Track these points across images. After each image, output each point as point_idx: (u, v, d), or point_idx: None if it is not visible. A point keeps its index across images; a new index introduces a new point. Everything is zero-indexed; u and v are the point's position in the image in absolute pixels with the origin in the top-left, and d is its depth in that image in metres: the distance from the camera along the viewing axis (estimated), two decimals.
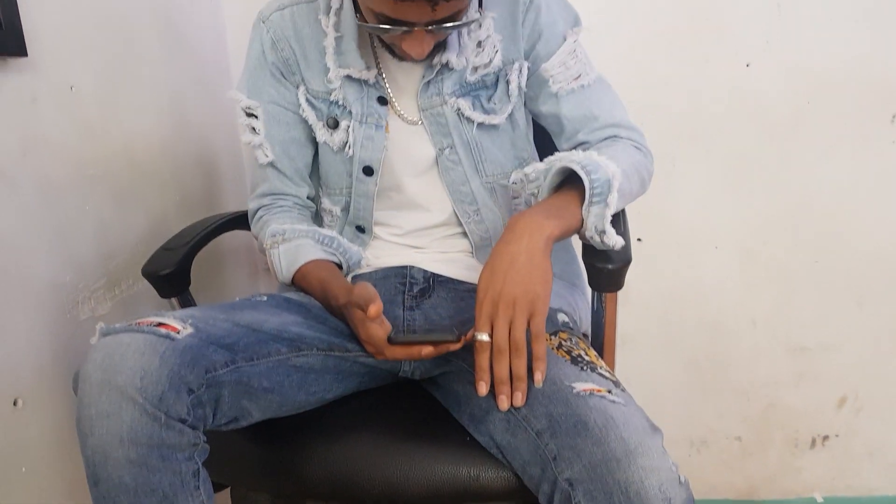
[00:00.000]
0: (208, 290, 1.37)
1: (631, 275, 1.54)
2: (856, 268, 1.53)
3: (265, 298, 0.97)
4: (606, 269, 0.88)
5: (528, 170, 0.95)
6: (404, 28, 0.85)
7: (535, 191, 0.94)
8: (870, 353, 1.57)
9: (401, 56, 0.97)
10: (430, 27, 0.85)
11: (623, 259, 0.88)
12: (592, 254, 0.89)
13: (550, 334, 0.92)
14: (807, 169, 1.49)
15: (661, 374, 1.62)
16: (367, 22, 0.88)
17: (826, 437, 1.64)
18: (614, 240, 0.86)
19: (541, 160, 1.13)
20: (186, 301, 1.04)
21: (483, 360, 0.80)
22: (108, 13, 1.12)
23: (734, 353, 1.60)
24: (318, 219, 1.16)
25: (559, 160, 0.90)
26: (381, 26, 0.85)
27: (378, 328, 0.85)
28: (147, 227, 1.21)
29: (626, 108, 1.07)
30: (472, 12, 0.96)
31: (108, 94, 1.12)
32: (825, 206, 1.51)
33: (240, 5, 1.49)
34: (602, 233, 0.86)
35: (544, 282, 0.80)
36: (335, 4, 1.01)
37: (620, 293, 1.24)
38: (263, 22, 1.05)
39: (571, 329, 0.97)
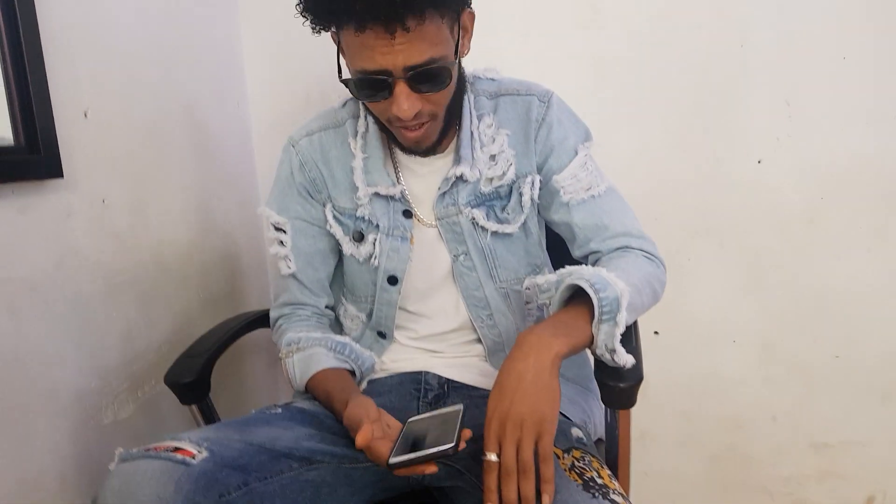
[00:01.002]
0: (229, 390, 1.40)
1: (649, 368, 1.54)
2: (877, 364, 1.51)
3: (279, 411, 0.98)
4: (618, 388, 0.88)
5: (540, 280, 0.97)
6: (385, 78, 0.87)
7: (547, 301, 0.96)
8: None
9: (407, 146, 1.01)
10: (408, 75, 0.87)
11: (635, 377, 0.88)
12: (604, 371, 0.89)
13: (563, 451, 0.92)
14: (823, 264, 1.50)
15: (681, 470, 1.60)
16: (355, 86, 0.91)
17: None
18: (624, 359, 0.86)
19: (554, 264, 1.16)
20: (206, 408, 1.06)
21: (491, 481, 0.80)
22: (141, 127, 1.19)
23: (756, 449, 1.57)
24: (336, 326, 1.19)
25: (570, 275, 0.91)
26: (364, 82, 0.89)
27: (379, 447, 0.83)
28: (171, 328, 1.25)
29: (636, 217, 1.09)
30: (444, 50, 0.91)
31: (139, 204, 1.17)
32: (843, 301, 1.50)
33: (266, 113, 1.57)
34: (612, 351, 0.87)
35: (552, 401, 0.80)
36: (361, 129, 1.08)
37: (640, 388, 1.25)
38: (293, 146, 1.11)
39: (585, 445, 0.97)
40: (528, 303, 1.12)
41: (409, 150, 1.04)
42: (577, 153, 1.06)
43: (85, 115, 1.06)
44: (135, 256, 1.16)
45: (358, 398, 0.92)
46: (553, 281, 0.95)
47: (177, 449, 0.78)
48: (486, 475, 0.80)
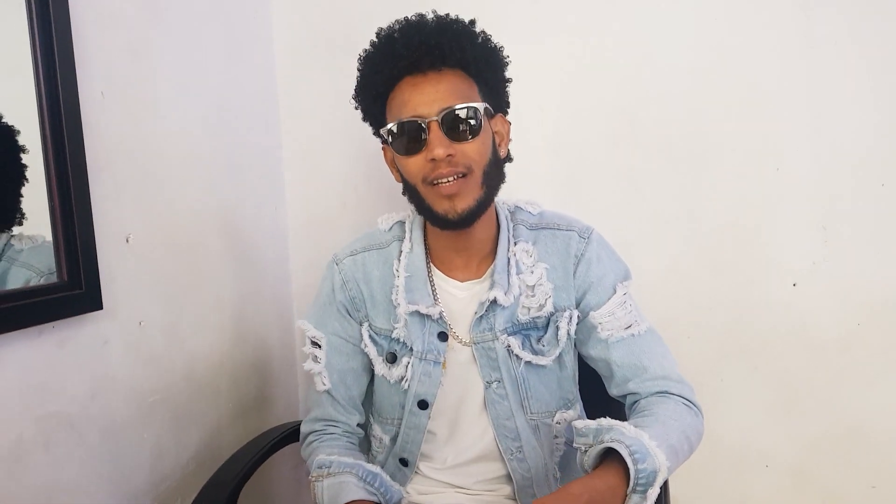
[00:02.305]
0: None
1: (680, 489, 1.51)
2: None
3: None
4: None
5: (579, 424, 0.96)
6: (419, 121, 0.97)
7: (583, 447, 0.94)
8: None
9: (442, 216, 1.01)
10: (441, 117, 0.97)
11: None
12: None
13: None
14: (858, 391, 1.46)
15: None
16: (398, 151, 1.02)
17: None
18: None
19: (586, 397, 1.16)
20: None
21: None
22: (181, 245, 1.22)
23: None
24: (366, 444, 1.19)
25: (610, 430, 0.90)
26: (405, 137, 0.99)
27: None
28: (200, 443, 1.26)
29: (675, 361, 1.08)
30: (474, 95, 1.03)
31: (174, 323, 1.20)
32: (881, 431, 1.45)
33: (303, 217, 1.60)
34: None
35: None
36: (406, 249, 1.11)
37: None
38: (337, 264, 1.14)
39: None
40: (556, 437, 1.12)
41: (443, 224, 1.02)
42: (615, 291, 1.08)
43: (127, 241, 1.09)
44: (168, 376, 1.18)
45: None
46: (592, 428, 0.93)
47: None
48: None
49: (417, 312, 1.07)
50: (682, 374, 1.07)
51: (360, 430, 1.18)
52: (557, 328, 1.08)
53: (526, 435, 1.09)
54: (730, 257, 1.48)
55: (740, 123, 1.43)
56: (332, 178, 1.60)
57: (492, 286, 1.05)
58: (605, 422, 0.93)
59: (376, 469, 1.09)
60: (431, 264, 1.10)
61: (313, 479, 1.07)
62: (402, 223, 1.15)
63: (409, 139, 0.99)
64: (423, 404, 1.10)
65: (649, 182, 1.48)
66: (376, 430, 1.17)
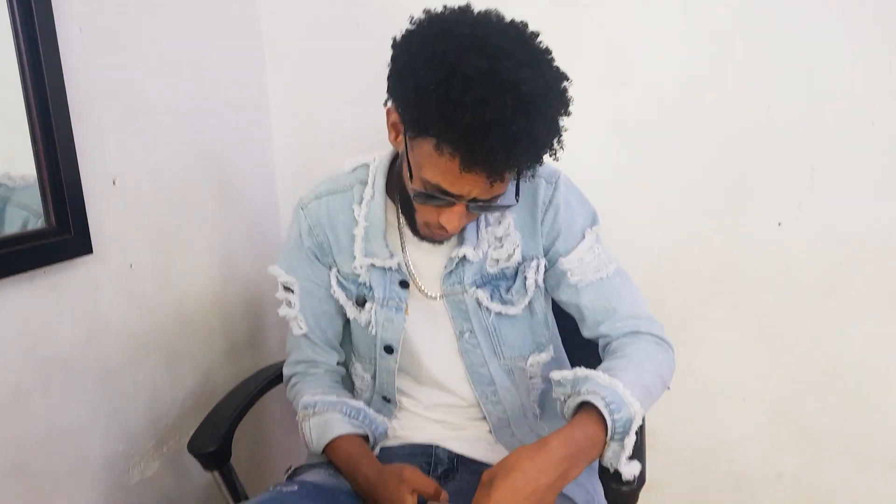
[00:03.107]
0: (250, 443, 1.45)
1: (658, 422, 1.56)
2: (885, 434, 1.52)
3: (295, 489, 1.02)
4: (620, 491, 0.92)
5: (556, 375, 0.98)
6: (449, 201, 0.91)
7: (562, 397, 0.98)
8: None
9: (423, 236, 1.03)
10: (470, 203, 0.91)
11: (640, 480, 0.91)
12: (606, 474, 0.92)
13: None
14: (839, 331, 1.49)
15: None
16: (416, 187, 0.93)
17: None
18: (628, 474, 0.89)
19: (565, 334, 1.19)
20: (227, 473, 1.10)
21: None
22: (168, 188, 1.22)
23: None
24: (348, 381, 1.22)
25: (587, 381, 0.92)
26: (430, 195, 0.91)
27: None
28: (195, 382, 1.30)
29: (645, 300, 1.10)
30: (510, 197, 1.00)
31: (164, 264, 1.21)
32: (855, 370, 1.50)
33: (291, 159, 1.59)
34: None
35: None
36: (367, 196, 1.08)
37: (648, 440, 1.27)
38: (302, 209, 1.13)
39: None
40: (531, 378, 1.15)
41: (419, 237, 1.05)
42: (584, 237, 1.08)
43: (113, 183, 1.09)
44: (160, 317, 1.20)
45: (384, 479, 0.96)
46: (569, 379, 0.96)
47: None
48: None
49: (374, 265, 1.09)
50: (664, 314, 1.09)
51: (341, 369, 1.20)
52: (525, 278, 1.08)
53: (500, 379, 1.12)
54: (716, 198, 1.49)
55: (732, 61, 1.41)
56: (320, 115, 1.58)
57: (461, 242, 1.05)
58: (581, 372, 0.95)
59: (360, 404, 1.12)
60: (400, 214, 1.08)
61: (300, 419, 1.11)
62: (366, 166, 1.12)
63: (430, 197, 0.93)
64: (388, 349, 1.12)
65: (637, 127, 1.47)
66: (357, 368, 1.19)
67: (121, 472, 1.11)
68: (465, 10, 0.89)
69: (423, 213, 0.98)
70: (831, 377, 1.52)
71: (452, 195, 0.90)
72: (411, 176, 0.94)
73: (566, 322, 1.16)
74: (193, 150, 1.28)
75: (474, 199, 0.91)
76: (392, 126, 0.96)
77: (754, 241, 1.49)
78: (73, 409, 1.01)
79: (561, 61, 0.90)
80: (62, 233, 0.97)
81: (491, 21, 0.86)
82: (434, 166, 0.87)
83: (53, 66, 0.96)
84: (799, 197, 1.46)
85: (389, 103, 0.93)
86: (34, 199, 0.97)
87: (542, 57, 0.87)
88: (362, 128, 1.55)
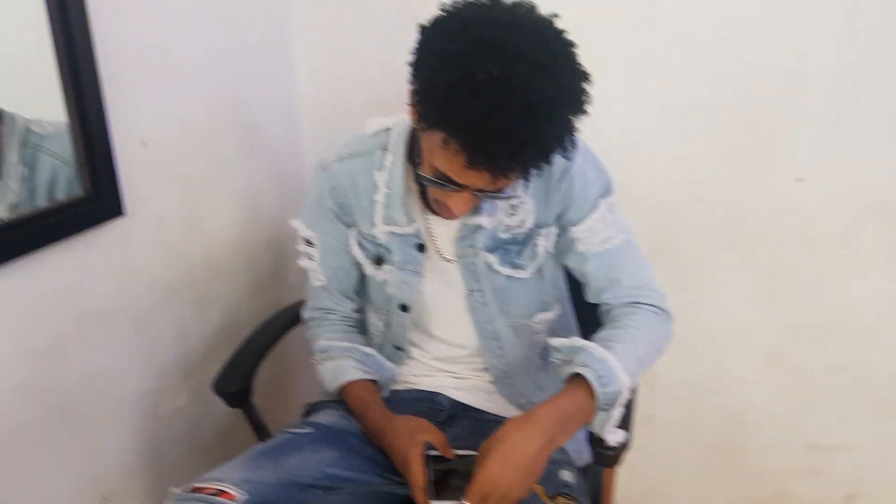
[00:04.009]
0: (272, 377, 1.56)
1: (659, 366, 1.64)
2: (881, 381, 1.57)
3: (309, 431, 1.12)
4: (606, 454, 1.00)
5: (555, 342, 1.05)
6: (456, 188, 0.95)
7: (558, 361, 1.05)
8: (888, 458, 1.63)
9: (437, 212, 1.09)
10: (476, 192, 0.95)
11: (624, 446, 1.00)
12: (594, 437, 1.00)
13: (549, 498, 1.05)
14: (846, 284, 1.52)
15: (679, 454, 1.74)
16: (424, 173, 0.98)
17: None
18: (613, 440, 0.97)
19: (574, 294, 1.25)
20: (250, 410, 1.21)
21: None
22: (195, 141, 1.26)
23: (751, 442, 1.69)
24: (363, 324, 1.30)
25: (582, 351, 0.99)
26: (438, 182, 0.96)
27: (422, 473, 0.99)
28: (221, 318, 1.39)
29: (650, 269, 1.14)
30: (518, 187, 1.05)
31: (192, 214, 1.28)
32: (859, 322, 1.54)
33: (315, 100, 1.61)
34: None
35: (535, 479, 0.93)
36: (388, 163, 1.12)
37: (647, 375, 1.36)
38: (325, 169, 1.17)
39: (571, 489, 1.10)
40: (536, 333, 1.22)
41: (431, 211, 1.10)
42: (596, 207, 1.10)
43: (143, 144, 1.14)
44: (188, 262, 1.28)
45: (395, 427, 1.06)
46: (566, 347, 1.03)
47: (220, 492, 0.94)
48: None
49: (393, 232, 1.13)
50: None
51: (356, 315, 1.28)
52: (536, 244, 1.12)
53: (506, 334, 1.18)
54: (738, 149, 1.48)
55: (764, 9, 1.37)
56: (342, 54, 1.58)
57: (478, 211, 1.09)
58: (578, 342, 1.02)
59: (371, 351, 1.21)
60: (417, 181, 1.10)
61: (316, 361, 1.20)
62: (388, 131, 1.14)
63: (438, 183, 0.95)
64: (403, 308, 1.18)
65: (664, 69, 1.45)
66: (372, 317, 1.26)
67: (152, 404, 1.23)
68: (494, 5, 0.88)
69: (433, 192, 1.02)
70: (835, 327, 1.56)
71: (458, 185, 0.93)
72: (422, 161, 0.98)
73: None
74: (219, 100, 1.31)
75: (480, 189, 0.94)
76: (411, 106, 0.97)
77: (773, 193, 1.50)
78: (109, 354, 1.11)
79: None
80: (97, 199, 1.03)
81: (515, 19, 0.86)
82: (442, 157, 0.90)
83: (83, 30, 0.98)
84: (822, 152, 1.45)
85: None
86: (63, 147, 1.02)
87: (562, 59, 0.86)
88: (385, 74, 1.55)
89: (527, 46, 0.82)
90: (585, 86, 0.89)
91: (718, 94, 1.44)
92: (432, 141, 0.91)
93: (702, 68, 1.43)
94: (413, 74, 0.92)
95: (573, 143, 0.92)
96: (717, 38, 1.41)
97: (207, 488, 0.95)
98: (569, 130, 0.90)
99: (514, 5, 0.89)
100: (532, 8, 0.90)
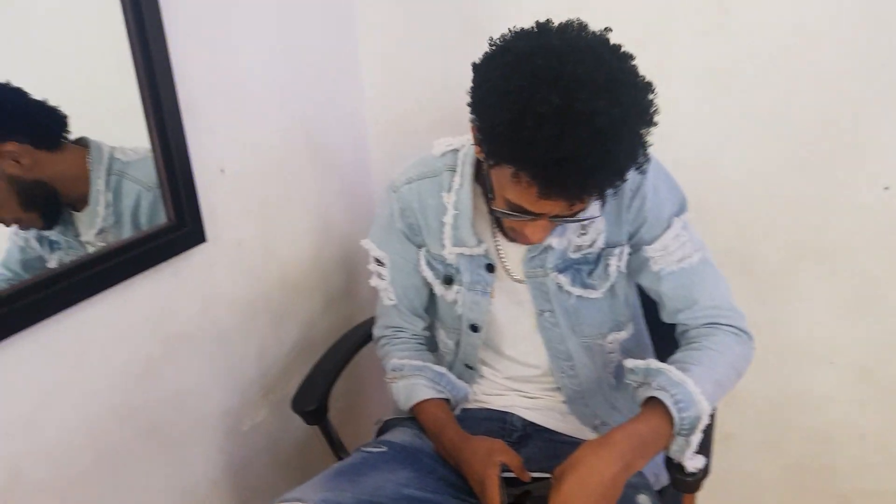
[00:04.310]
0: (347, 394, 1.60)
1: (742, 382, 1.59)
2: None
3: (384, 450, 1.14)
4: (684, 480, 0.98)
5: (629, 364, 1.04)
6: (532, 217, 0.95)
7: (634, 384, 1.03)
8: None
9: (512, 238, 1.09)
10: (553, 218, 0.95)
11: (703, 472, 0.97)
12: (672, 462, 0.98)
13: None
14: None
15: (762, 473, 1.68)
16: (497, 207, 0.98)
17: None
18: (692, 468, 0.95)
19: (648, 312, 1.23)
20: (325, 427, 1.25)
21: None
22: (270, 167, 1.30)
23: (839, 462, 1.62)
24: (433, 344, 1.32)
25: (658, 375, 0.97)
26: (512, 214, 0.96)
27: (498, 495, 0.99)
28: (297, 336, 1.43)
29: (728, 288, 1.11)
30: (595, 209, 1.03)
31: (268, 237, 1.32)
32: None
33: (381, 115, 1.64)
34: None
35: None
36: (456, 185, 1.13)
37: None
38: (394, 192, 1.19)
39: None
40: (610, 353, 1.20)
41: (507, 237, 1.10)
42: (670, 225, 1.08)
43: (222, 171, 1.18)
44: (265, 284, 1.32)
45: (471, 447, 1.07)
46: (642, 368, 1.01)
47: None
48: None
49: (462, 254, 1.14)
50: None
51: (425, 333, 1.30)
52: (608, 264, 1.11)
53: (578, 355, 1.17)
54: (820, 157, 1.42)
55: (843, 14, 1.31)
56: (407, 76, 1.60)
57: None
58: (654, 364, 1.00)
59: (442, 370, 1.22)
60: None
61: (389, 380, 1.23)
62: (455, 152, 1.14)
63: (513, 215, 0.96)
64: (473, 328, 1.19)
65: (737, 77, 1.40)
66: (441, 334, 1.28)
67: (235, 420, 1.28)
68: (543, 32, 0.88)
69: (509, 222, 1.02)
70: None
71: (534, 214, 0.93)
72: (494, 196, 0.98)
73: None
74: (290, 126, 1.35)
75: (557, 216, 0.94)
76: (476, 144, 0.97)
77: (858, 202, 1.43)
78: (194, 374, 1.16)
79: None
80: (180, 228, 1.08)
81: (568, 44, 0.85)
82: (514, 190, 0.90)
83: (164, 67, 1.03)
84: None
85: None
86: (145, 173, 1.06)
87: (621, 75, 0.85)
88: (449, 93, 1.56)
89: (583, 70, 0.81)
90: (651, 97, 0.87)
91: (795, 103, 1.39)
92: (502, 175, 0.91)
93: (777, 76, 1.38)
94: (473, 113, 0.92)
95: (646, 157, 0.90)
96: (793, 44, 1.35)
97: None
98: (640, 145, 0.88)
99: (564, 28, 0.88)
100: (583, 27, 0.88)
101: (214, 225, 1.16)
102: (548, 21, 0.90)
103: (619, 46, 0.88)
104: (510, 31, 0.91)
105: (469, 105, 0.92)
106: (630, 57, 0.88)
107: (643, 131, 0.88)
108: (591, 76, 0.81)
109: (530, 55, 0.83)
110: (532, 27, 0.89)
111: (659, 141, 0.91)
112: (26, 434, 0.91)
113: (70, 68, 0.99)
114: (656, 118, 0.88)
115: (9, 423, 0.88)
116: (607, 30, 0.89)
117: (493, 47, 0.90)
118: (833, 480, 1.64)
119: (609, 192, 0.90)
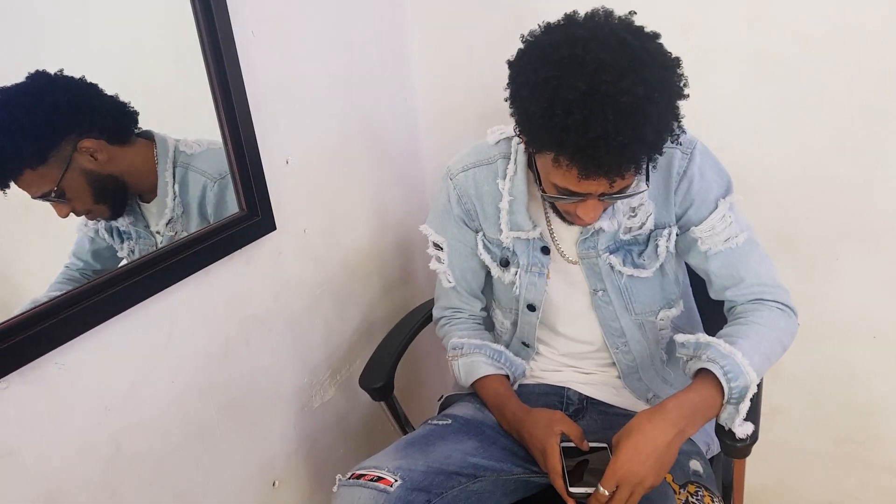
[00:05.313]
0: (409, 372, 1.66)
1: (786, 357, 1.63)
2: None
3: (449, 422, 1.21)
4: (734, 446, 1.03)
5: (680, 338, 1.10)
6: (580, 198, 1.01)
7: (685, 357, 1.09)
8: None
9: (569, 221, 1.14)
10: (601, 196, 1.00)
11: (752, 438, 1.02)
12: (723, 430, 1.04)
13: (679, 486, 1.09)
14: None
15: (807, 445, 1.71)
16: (546, 192, 1.05)
17: None
18: (742, 434, 1.00)
19: (697, 289, 1.27)
20: (392, 403, 1.32)
21: None
22: (330, 156, 1.37)
23: (885, 431, 1.65)
24: (489, 324, 1.38)
25: (708, 348, 1.03)
26: (561, 197, 1.02)
27: (560, 462, 1.05)
28: (359, 319, 1.51)
29: (774, 266, 1.15)
30: (641, 184, 1.08)
31: (331, 225, 1.39)
32: None
33: (431, 104, 1.70)
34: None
35: (665, 471, 0.98)
36: (510, 172, 1.18)
37: (772, 368, 1.37)
38: (451, 178, 1.25)
39: (701, 478, 1.13)
40: (661, 329, 1.25)
41: (562, 219, 1.15)
42: (717, 206, 1.12)
43: (287, 163, 1.26)
44: (329, 269, 1.40)
45: (533, 418, 1.13)
46: (692, 343, 1.07)
47: (379, 478, 1.04)
48: (592, 500, 1.00)
49: (518, 238, 1.20)
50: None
51: (483, 313, 1.36)
52: (657, 245, 1.15)
53: (631, 331, 1.22)
54: (861, 137, 1.45)
55: None
56: (456, 66, 1.66)
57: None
58: (704, 338, 1.05)
59: (501, 347, 1.28)
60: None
61: (450, 357, 1.29)
62: (509, 140, 1.20)
63: (561, 198, 1.02)
64: (531, 307, 1.25)
65: (778, 62, 1.43)
66: (498, 315, 1.34)
67: (306, 399, 1.35)
68: (570, 23, 0.93)
69: (561, 206, 1.08)
70: None
71: (580, 194, 0.99)
72: (540, 181, 1.04)
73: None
74: (348, 118, 1.42)
75: (603, 194, 0.99)
76: (518, 136, 1.04)
77: None
78: (267, 354, 1.24)
79: None
80: (252, 217, 1.16)
81: (592, 31, 0.90)
82: (557, 173, 0.96)
83: (234, 66, 1.10)
84: None
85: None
86: (210, 165, 1.11)
87: (645, 55, 0.89)
88: (496, 82, 1.59)
89: (606, 54, 0.86)
90: (679, 71, 0.92)
91: (837, 84, 1.41)
92: (545, 161, 0.97)
93: (818, 58, 1.40)
94: (511, 106, 0.99)
95: (681, 128, 0.95)
96: (835, 25, 1.38)
97: (367, 475, 1.05)
98: (672, 118, 0.93)
99: (589, 17, 0.93)
100: (608, 14, 0.93)
101: (282, 214, 1.23)
102: (574, 12, 0.96)
103: (643, 28, 0.93)
104: (539, 26, 0.97)
105: (506, 100, 0.99)
106: (655, 36, 0.93)
107: (674, 104, 0.92)
108: (615, 59, 0.86)
109: (557, 46, 0.89)
110: (559, 20, 0.96)
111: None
112: (125, 410, 0.99)
113: (137, 64, 1.03)
114: (686, 91, 0.93)
115: (112, 398, 0.97)
116: (632, 13, 0.94)
117: (525, 43, 0.96)
118: (880, 450, 1.67)
119: (649, 165, 0.96)
